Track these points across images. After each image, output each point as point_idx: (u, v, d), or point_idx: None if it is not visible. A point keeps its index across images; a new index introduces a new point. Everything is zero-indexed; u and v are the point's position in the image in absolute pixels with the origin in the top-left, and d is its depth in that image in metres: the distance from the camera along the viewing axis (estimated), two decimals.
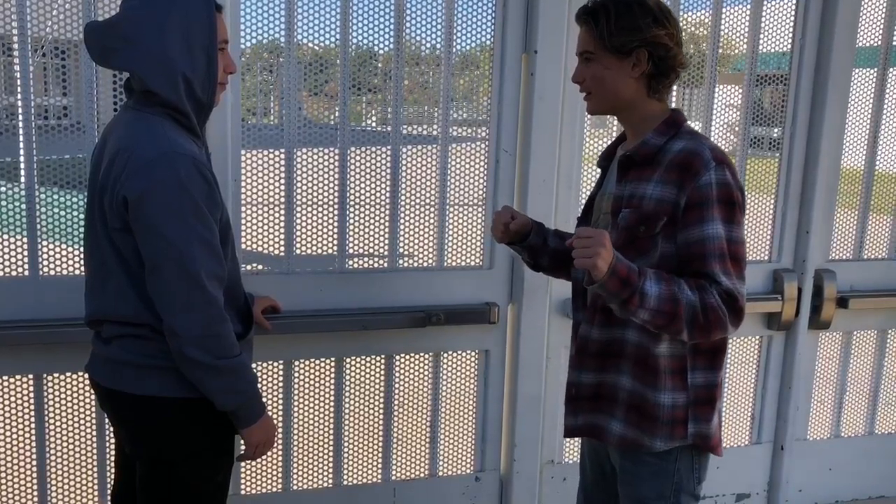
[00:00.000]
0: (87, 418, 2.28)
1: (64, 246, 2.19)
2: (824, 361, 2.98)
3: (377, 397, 2.53)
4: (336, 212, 2.39)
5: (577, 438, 1.93)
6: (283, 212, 2.34)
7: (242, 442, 1.74)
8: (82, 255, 1.77)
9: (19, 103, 2.09)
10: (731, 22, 2.69)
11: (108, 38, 1.61)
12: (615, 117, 1.82)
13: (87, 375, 1.83)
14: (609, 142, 1.93)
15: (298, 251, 2.37)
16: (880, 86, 2.88)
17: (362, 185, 2.42)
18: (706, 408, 1.71)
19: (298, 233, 2.36)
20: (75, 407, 2.26)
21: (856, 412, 3.07)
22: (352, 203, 2.40)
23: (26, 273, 2.14)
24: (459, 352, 2.57)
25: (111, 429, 2.25)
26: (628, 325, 1.68)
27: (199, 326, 1.58)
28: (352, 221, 2.41)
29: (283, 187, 2.33)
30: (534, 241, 1.91)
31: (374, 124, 2.53)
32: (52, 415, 2.25)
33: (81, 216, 2.16)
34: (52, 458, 2.27)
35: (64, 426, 2.26)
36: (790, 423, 2.88)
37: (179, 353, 1.58)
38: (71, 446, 2.28)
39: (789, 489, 2.93)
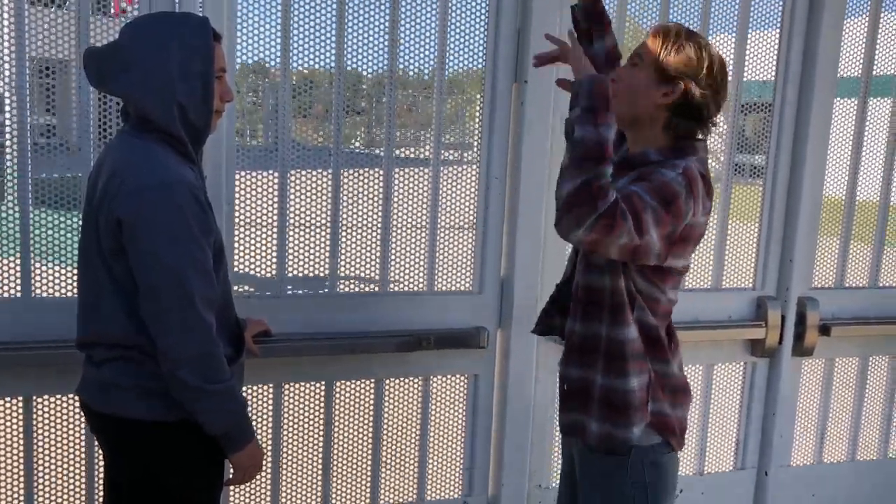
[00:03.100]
0: (77, 441, 2.27)
1: (56, 267, 2.20)
2: (807, 388, 3.02)
3: (366, 421, 2.54)
4: (328, 234, 2.41)
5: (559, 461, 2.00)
6: (275, 234, 2.36)
7: (231, 466, 1.74)
8: (76, 277, 1.77)
9: (11, 121, 2.10)
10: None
11: (106, 63, 1.64)
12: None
13: (77, 398, 1.83)
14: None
15: (290, 273, 2.39)
16: (861, 116, 2.95)
17: (352, 208, 2.45)
18: (660, 392, 1.76)
19: (290, 255, 2.38)
20: (65, 430, 2.25)
21: (838, 439, 3.11)
22: (343, 225, 2.43)
23: (18, 294, 2.14)
24: (448, 376, 2.59)
25: (100, 451, 2.25)
26: (603, 320, 1.73)
27: (191, 350, 1.59)
28: (343, 244, 2.43)
29: (275, 209, 2.35)
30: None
31: (359, 146, 2.56)
32: (41, 438, 2.23)
33: (74, 237, 2.17)
34: (41, 481, 2.25)
35: (53, 449, 2.25)
36: (774, 449, 2.91)
37: (171, 376, 1.59)
38: (60, 469, 2.26)
39: None
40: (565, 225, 1.52)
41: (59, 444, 2.25)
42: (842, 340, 2.96)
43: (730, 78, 2.68)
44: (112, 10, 2.30)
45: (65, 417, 2.24)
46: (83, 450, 2.27)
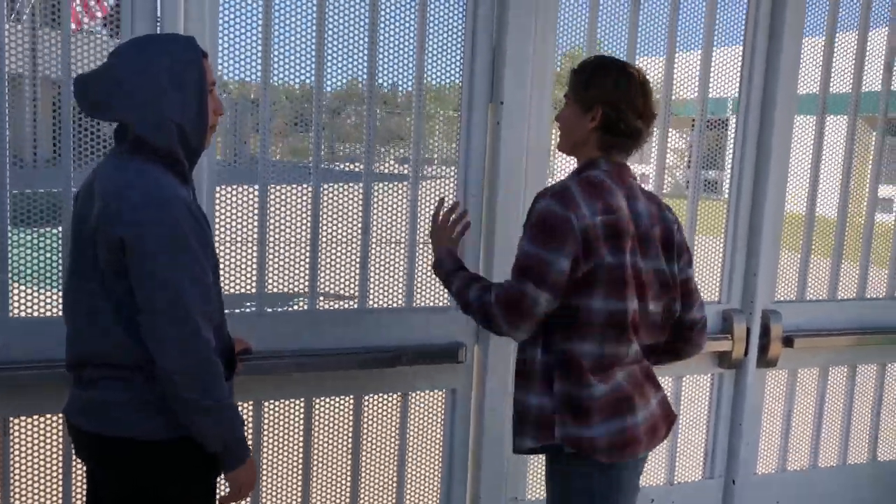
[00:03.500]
0: (55, 462, 2.24)
1: (31, 287, 2.17)
2: (771, 399, 3.11)
3: (345, 436, 2.55)
4: (307, 251, 2.43)
5: (540, 471, 2.17)
6: (254, 251, 2.37)
7: (225, 483, 1.75)
8: (61, 298, 1.77)
9: None
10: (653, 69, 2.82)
11: (98, 91, 1.64)
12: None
13: (59, 419, 1.82)
14: None
15: (269, 290, 2.40)
16: (819, 132, 3.06)
17: (330, 224, 2.46)
18: (578, 416, 1.89)
19: (269, 272, 2.39)
20: (42, 451, 2.22)
21: (801, 447, 3.21)
22: (322, 241, 2.44)
23: None
24: (427, 391, 2.62)
25: (81, 473, 2.23)
26: (527, 343, 1.95)
27: (193, 367, 1.60)
28: (322, 260, 2.45)
29: (254, 225, 2.36)
30: None
31: (336, 162, 2.58)
32: (17, 460, 2.20)
33: (52, 256, 2.16)
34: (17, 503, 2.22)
35: (30, 471, 2.22)
36: (741, 458, 3.00)
37: (173, 394, 1.60)
38: (37, 491, 2.23)
39: None
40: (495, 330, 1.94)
41: (36, 466, 2.22)
42: (803, 352, 3.06)
43: (694, 95, 2.82)
44: (73, 27, 2.28)
45: (42, 438, 2.21)
46: (61, 471, 2.25)
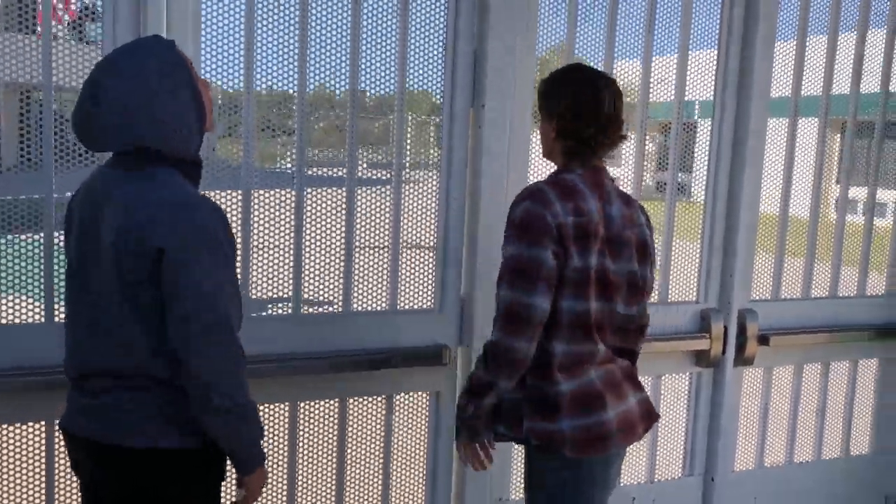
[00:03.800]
0: (37, 472, 2.22)
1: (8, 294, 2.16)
2: (748, 397, 3.17)
3: (331, 440, 2.56)
4: (290, 256, 2.43)
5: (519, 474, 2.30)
6: (238, 256, 2.37)
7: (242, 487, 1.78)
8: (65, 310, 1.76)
9: None
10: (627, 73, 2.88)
11: (97, 125, 1.61)
12: None
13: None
14: None
15: (253, 295, 2.40)
16: (791, 135, 3.12)
17: (313, 229, 2.47)
18: (544, 411, 1.96)
19: (253, 277, 2.39)
20: (23, 460, 2.20)
21: (777, 443, 3.27)
22: (305, 246, 2.45)
23: None
24: (411, 393, 2.63)
25: (63, 483, 2.22)
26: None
27: (224, 372, 1.62)
28: (305, 265, 2.45)
29: (239, 230, 2.36)
30: None
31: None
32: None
33: (32, 264, 2.14)
34: None
35: (11, 481, 2.20)
36: (720, 455, 3.05)
37: (206, 400, 1.60)
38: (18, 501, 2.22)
39: None
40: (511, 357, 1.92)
41: (18, 475, 2.20)
42: (779, 349, 3.12)
43: (671, 98, 2.86)
44: (39, 30, 2.25)
45: (22, 446, 2.19)
46: (43, 480, 2.23)
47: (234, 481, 1.80)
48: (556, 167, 2.08)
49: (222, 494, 1.83)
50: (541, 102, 2.08)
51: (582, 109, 1.99)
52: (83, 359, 1.70)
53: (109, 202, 1.64)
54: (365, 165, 2.60)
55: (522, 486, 2.14)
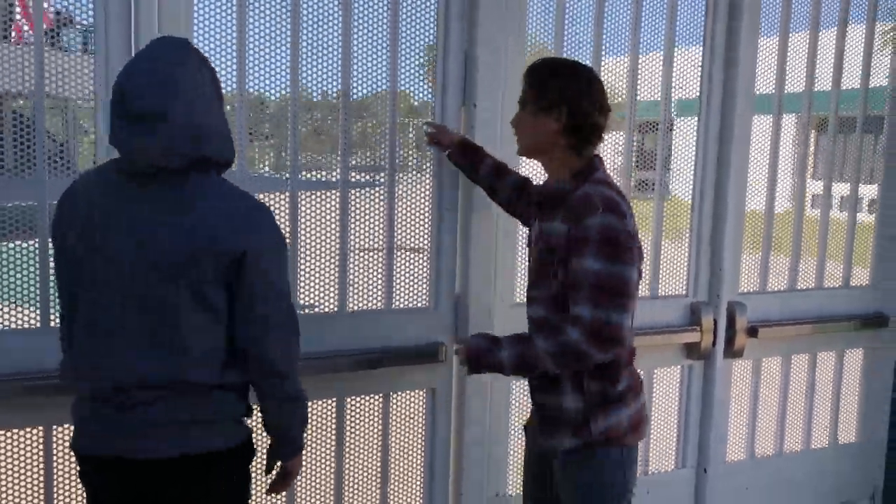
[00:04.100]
0: (35, 476, 2.22)
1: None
2: (738, 388, 3.22)
3: (329, 439, 2.57)
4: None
5: (519, 469, 2.29)
6: None
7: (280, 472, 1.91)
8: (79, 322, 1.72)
9: None
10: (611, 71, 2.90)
11: (163, 146, 1.60)
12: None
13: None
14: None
15: None
16: (776, 131, 3.17)
17: (309, 232, 2.49)
18: (609, 408, 1.99)
19: None
20: (21, 465, 2.20)
21: (767, 434, 3.32)
22: (302, 249, 2.47)
23: None
24: (407, 391, 2.65)
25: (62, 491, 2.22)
26: None
27: (295, 364, 1.77)
28: (302, 267, 2.47)
29: None
30: (459, 162, 2.46)
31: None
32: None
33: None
34: None
35: (10, 485, 2.20)
36: (711, 447, 3.09)
37: (279, 390, 1.75)
38: None
39: None
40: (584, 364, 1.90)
41: (15, 480, 2.20)
42: (767, 341, 3.17)
43: (648, 97, 2.90)
44: (13, 37, 2.22)
45: (21, 452, 2.19)
46: (42, 487, 2.22)
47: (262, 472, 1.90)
48: (544, 165, 2.08)
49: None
50: (536, 94, 1.98)
51: (601, 100, 1.98)
52: (124, 370, 1.66)
53: (163, 207, 1.63)
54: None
55: (545, 488, 2.16)
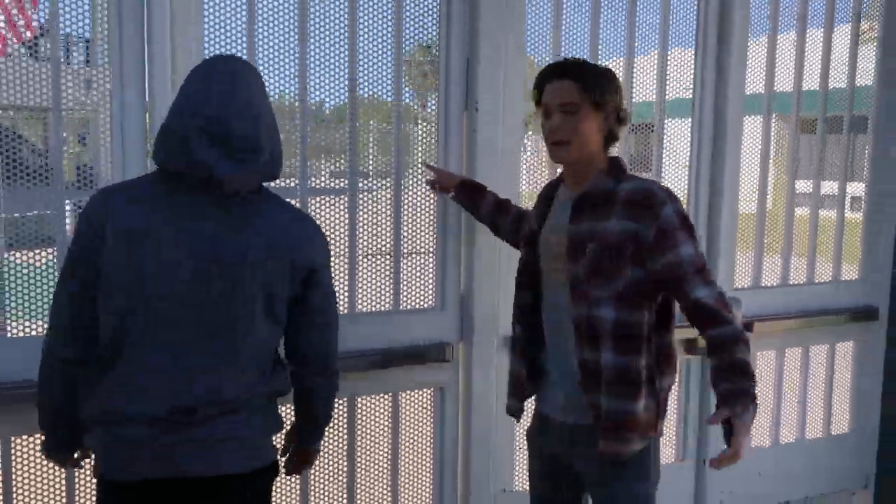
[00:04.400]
0: (58, 479, 2.26)
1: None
2: None
3: (340, 438, 2.63)
4: None
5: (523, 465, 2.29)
6: None
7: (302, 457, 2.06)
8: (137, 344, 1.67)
9: None
10: None
11: (249, 180, 1.68)
12: (560, 166, 2.10)
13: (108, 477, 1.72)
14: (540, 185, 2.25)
15: None
16: (766, 131, 3.26)
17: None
18: (666, 403, 2.05)
19: None
20: (47, 469, 2.24)
21: (763, 426, 3.40)
22: None
23: None
24: (416, 390, 2.71)
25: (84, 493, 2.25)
26: (642, 351, 1.94)
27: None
28: None
29: None
30: (462, 203, 2.54)
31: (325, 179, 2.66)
32: (20, 480, 2.22)
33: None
34: None
35: (34, 489, 2.23)
36: (710, 438, 3.17)
37: (333, 387, 1.94)
38: None
39: (714, 499, 3.21)
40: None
41: (40, 484, 2.23)
42: (762, 335, 3.25)
43: (653, 98, 2.97)
44: None
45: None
46: (63, 489, 2.26)
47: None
48: (572, 168, 2.02)
49: None
50: (598, 94, 1.93)
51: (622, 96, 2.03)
52: (203, 388, 1.66)
53: (234, 223, 1.68)
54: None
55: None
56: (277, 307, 1.72)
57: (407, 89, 2.65)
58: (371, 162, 2.73)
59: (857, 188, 3.58)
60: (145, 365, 1.64)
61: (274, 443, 1.85)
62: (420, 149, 2.72)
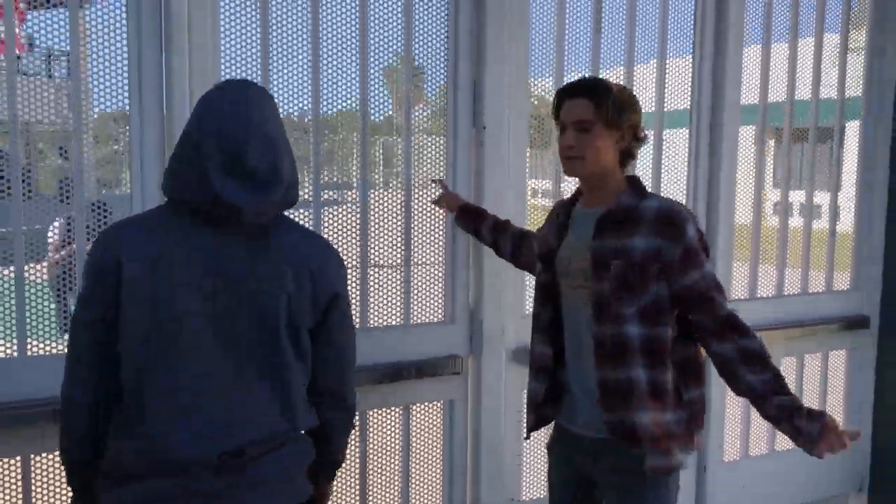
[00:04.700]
0: None
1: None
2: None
3: (352, 450, 2.65)
4: None
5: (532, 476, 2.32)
6: None
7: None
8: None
9: None
10: None
11: (268, 210, 1.63)
12: (577, 180, 2.12)
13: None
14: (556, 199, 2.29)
15: None
16: (760, 140, 3.33)
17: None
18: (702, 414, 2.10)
19: None
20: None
21: (760, 434, 3.47)
22: None
23: None
24: (426, 403, 2.75)
25: None
26: (667, 365, 1.98)
27: None
28: None
29: None
30: (464, 226, 2.59)
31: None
32: (40, 498, 2.22)
33: None
34: None
35: None
36: (710, 446, 3.23)
37: (351, 420, 1.88)
38: None
39: None
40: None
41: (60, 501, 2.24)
42: None
43: (652, 109, 3.03)
44: None
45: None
46: None
47: None
48: (589, 183, 2.06)
49: None
50: (613, 113, 1.97)
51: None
52: (255, 428, 1.62)
53: (257, 253, 1.62)
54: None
55: (537, 489, 2.25)
56: (303, 337, 1.67)
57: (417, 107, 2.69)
58: (379, 174, 2.77)
59: (843, 196, 3.66)
60: (189, 413, 1.57)
61: (307, 476, 1.77)
62: (426, 163, 2.76)
